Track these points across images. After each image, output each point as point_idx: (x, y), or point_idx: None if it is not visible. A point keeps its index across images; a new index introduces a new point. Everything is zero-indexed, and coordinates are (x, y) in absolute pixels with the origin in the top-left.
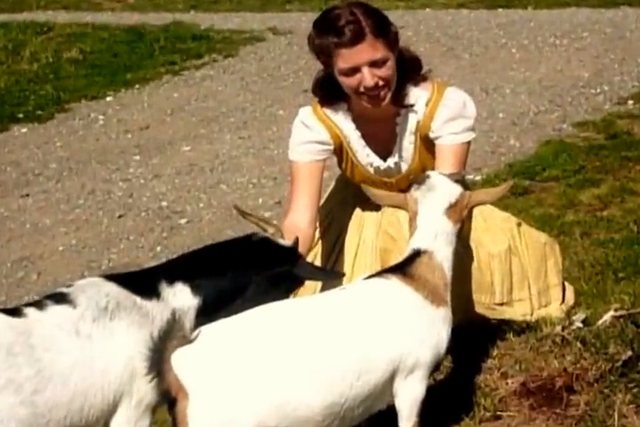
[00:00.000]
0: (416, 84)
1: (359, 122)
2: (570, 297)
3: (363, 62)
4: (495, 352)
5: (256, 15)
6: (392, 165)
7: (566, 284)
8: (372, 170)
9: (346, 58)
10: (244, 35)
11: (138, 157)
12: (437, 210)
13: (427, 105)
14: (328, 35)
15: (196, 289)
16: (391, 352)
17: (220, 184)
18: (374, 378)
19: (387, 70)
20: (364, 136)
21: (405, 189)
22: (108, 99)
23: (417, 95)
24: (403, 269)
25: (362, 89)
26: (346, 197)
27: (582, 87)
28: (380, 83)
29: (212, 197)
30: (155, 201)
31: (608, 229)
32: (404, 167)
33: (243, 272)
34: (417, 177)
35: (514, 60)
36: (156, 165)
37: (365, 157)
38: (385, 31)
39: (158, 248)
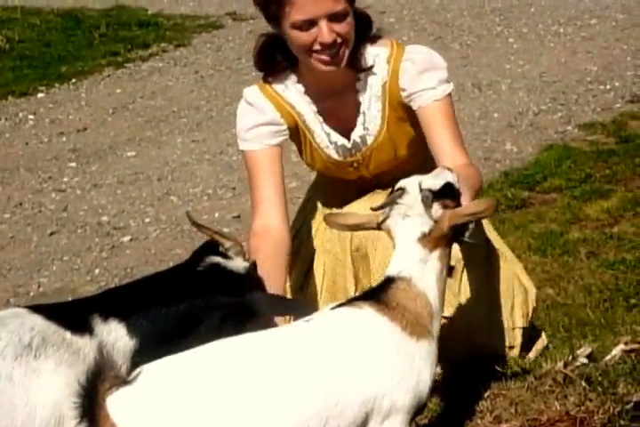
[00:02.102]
0: (371, 42)
1: (313, 95)
2: (538, 348)
3: (321, 14)
4: (487, 392)
5: None
6: (357, 140)
7: (543, 336)
8: (333, 151)
9: (302, 8)
10: (199, 21)
11: (74, 164)
12: (410, 240)
13: (388, 62)
14: None
15: (133, 325)
16: (363, 394)
17: (169, 195)
18: (344, 424)
19: (346, 26)
20: (320, 112)
21: (375, 175)
22: (40, 95)
23: (374, 54)
24: (377, 296)
25: (317, 46)
26: (317, 204)
27: (590, 83)
28: (339, 40)
29: (160, 211)
30: (93, 215)
31: (618, 248)
32: (370, 140)
33: (188, 306)
34: (390, 196)
35: (511, 51)
36: (94, 173)
37: (325, 136)
38: None
39: (97, 270)
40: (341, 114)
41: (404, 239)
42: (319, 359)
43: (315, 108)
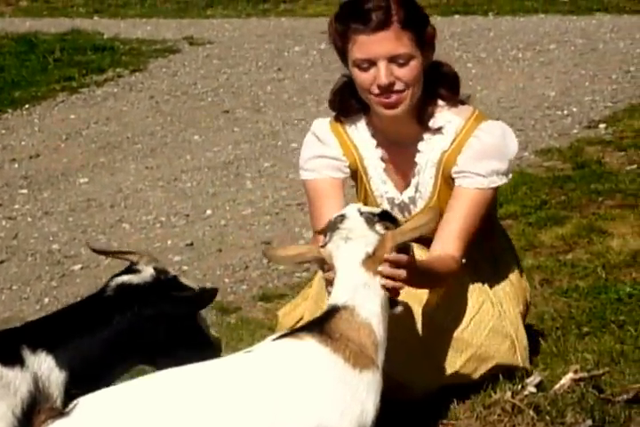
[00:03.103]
0: (450, 105)
1: (379, 141)
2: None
3: (381, 54)
4: (437, 422)
5: (170, 22)
6: (407, 200)
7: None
8: (385, 202)
9: (363, 46)
10: (156, 45)
11: (25, 191)
12: (353, 263)
13: (457, 133)
14: (349, 17)
15: (61, 356)
16: (306, 426)
17: (121, 223)
18: None
19: (409, 71)
20: (382, 159)
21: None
22: None
23: (448, 119)
24: (319, 327)
25: (374, 88)
26: None
27: (547, 108)
28: (399, 84)
29: (112, 239)
30: (44, 243)
31: (572, 275)
32: (421, 205)
33: (109, 331)
34: (330, 222)
35: (469, 75)
36: (46, 200)
37: (381, 184)
38: (416, 25)
39: (46, 299)
40: (400, 167)
41: (347, 263)
42: (259, 392)
43: (378, 154)
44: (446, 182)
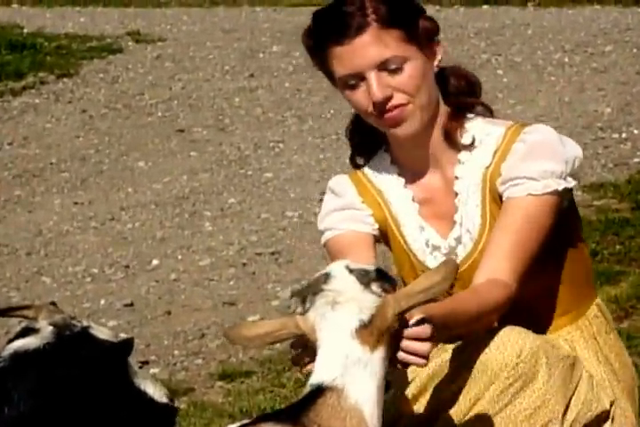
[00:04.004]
0: (485, 117)
1: (409, 179)
2: None
3: (365, 64)
4: None
5: (111, 12)
6: (453, 244)
7: None
8: (426, 254)
9: (343, 59)
10: (90, 42)
11: None
12: (343, 334)
13: (498, 143)
14: (321, 28)
15: None
16: None
17: (41, 275)
18: None
19: (406, 78)
20: (416, 199)
21: None
22: None
23: (485, 132)
24: (292, 415)
25: (371, 108)
26: None
27: (601, 130)
28: (397, 98)
29: (29, 296)
30: None
31: (629, 349)
32: (469, 244)
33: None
34: (310, 283)
35: (499, 85)
36: None
37: (419, 231)
38: (403, 20)
39: None
40: (438, 205)
41: (336, 335)
42: None
43: (409, 194)
44: (496, 206)
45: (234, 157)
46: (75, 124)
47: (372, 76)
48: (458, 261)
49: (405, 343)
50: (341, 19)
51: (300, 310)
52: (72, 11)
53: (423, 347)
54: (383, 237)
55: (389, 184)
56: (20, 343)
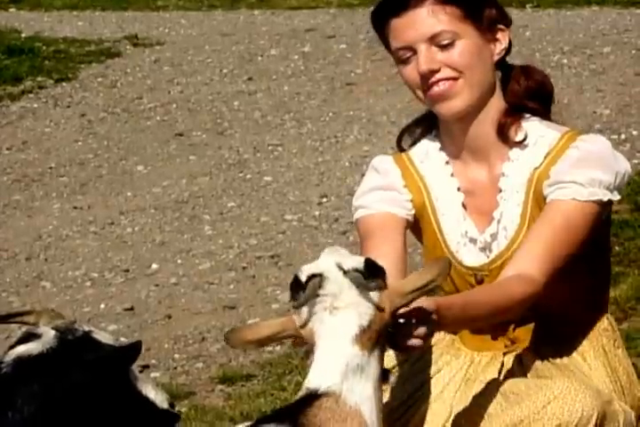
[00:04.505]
0: (541, 117)
1: (457, 169)
2: None
3: (417, 37)
4: None
5: (109, 16)
6: (489, 239)
7: None
8: (463, 245)
9: (397, 32)
10: (89, 46)
11: None
12: (343, 341)
13: (552, 147)
14: (383, 2)
15: None
16: None
17: (40, 280)
18: None
19: (457, 53)
20: (461, 189)
21: None
22: None
23: (539, 134)
24: (292, 417)
25: (420, 82)
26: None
27: (600, 131)
28: (445, 71)
29: (29, 301)
30: None
31: (628, 350)
32: (503, 243)
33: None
34: (307, 286)
35: None
36: None
37: (459, 222)
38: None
39: None
40: (481, 200)
41: (335, 342)
42: None
43: (455, 184)
44: (538, 210)
45: (233, 161)
46: (73, 128)
47: (422, 49)
48: (490, 258)
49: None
50: None
51: (304, 316)
52: (70, 15)
53: (418, 342)
54: (415, 224)
55: (435, 171)
56: (22, 348)
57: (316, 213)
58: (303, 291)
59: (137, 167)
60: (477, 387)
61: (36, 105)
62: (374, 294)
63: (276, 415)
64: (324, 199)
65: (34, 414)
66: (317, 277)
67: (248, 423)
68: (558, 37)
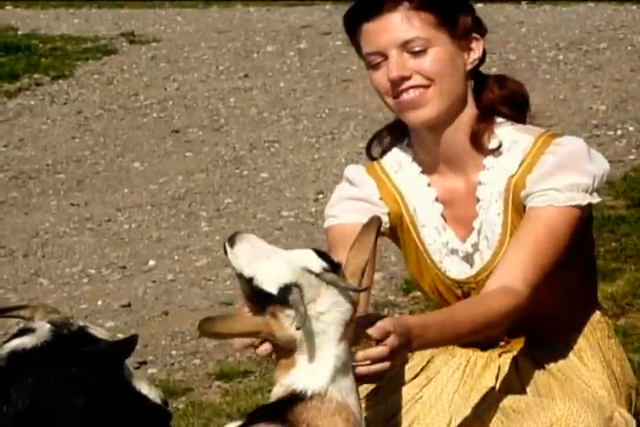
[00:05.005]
0: (515, 121)
1: (433, 179)
2: None
3: (388, 42)
4: None
5: (105, 13)
6: (470, 250)
7: None
8: (445, 256)
9: (369, 36)
10: (85, 44)
11: None
12: (331, 343)
13: (526, 153)
14: (356, 5)
15: None
16: None
17: (38, 277)
18: None
19: (428, 61)
20: (439, 199)
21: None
22: None
23: (512, 139)
24: (280, 414)
25: (389, 89)
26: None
27: (595, 127)
28: (416, 79)
29: (26, 297)
30: None
31: (625, 346)
32: (487, 253)
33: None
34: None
35: None
36: None
37: (438, 232)
38: (436, 5)
39: None
40: (458, 208)
41: (323, 345)
42: None
43: (432, 194)
44: (518, 217)
45: (229, 158)
46: (70, 125)
47: (394, 55)
48: (476, 270)
49: (363, 368)
50: None
51: (282, 322)
52: (66, 12)
53: (382, 367)
54: (392, 234)
55: (411, 181)
56: (17, 342)
57: (313, 209)
58: (267, 300)
59: (133, 164)
60: (476, 396)
61: (32, 102)
62: (352, 288)
63: (264, 413)
64: (321, 195)
65: (28, 407)
66: (292, 288)
67: (239, 422)
68: (554, 33)
